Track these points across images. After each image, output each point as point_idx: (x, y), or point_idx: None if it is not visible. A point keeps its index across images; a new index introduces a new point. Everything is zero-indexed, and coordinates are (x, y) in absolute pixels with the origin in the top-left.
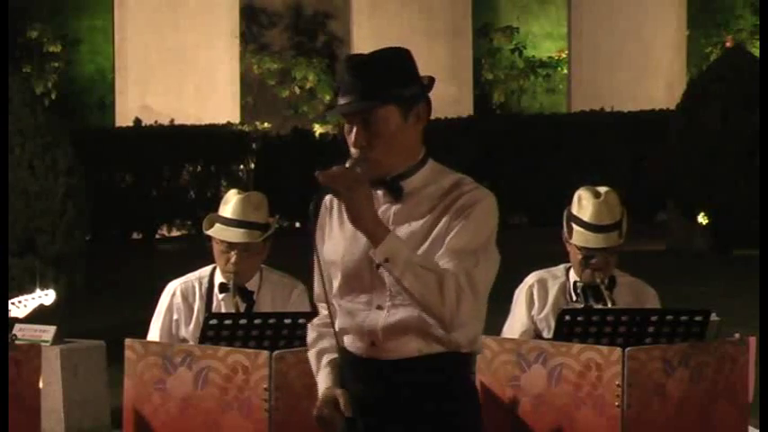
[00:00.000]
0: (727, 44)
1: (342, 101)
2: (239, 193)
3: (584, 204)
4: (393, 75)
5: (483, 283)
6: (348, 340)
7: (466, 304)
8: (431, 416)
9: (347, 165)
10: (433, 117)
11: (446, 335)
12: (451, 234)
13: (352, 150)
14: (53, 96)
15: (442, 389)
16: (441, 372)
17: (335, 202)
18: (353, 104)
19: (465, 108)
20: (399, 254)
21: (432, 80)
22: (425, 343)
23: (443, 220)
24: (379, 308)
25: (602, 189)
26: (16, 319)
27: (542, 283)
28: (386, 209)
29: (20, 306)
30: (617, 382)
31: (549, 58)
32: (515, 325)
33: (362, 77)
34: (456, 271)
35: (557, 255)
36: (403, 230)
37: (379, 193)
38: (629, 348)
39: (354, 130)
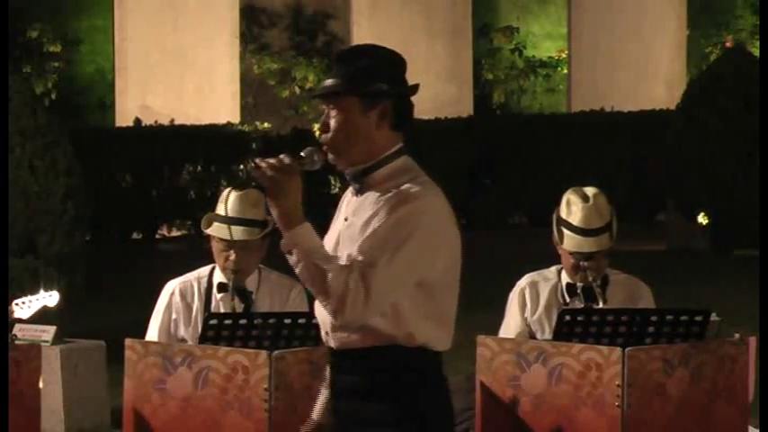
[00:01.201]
0: (727, 44)
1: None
2: (237, 190)
3: (573, 209)
4: (362, 69)
5: (387, 281)
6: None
7: (353, 303)
8: (375, 408)
9: (302, 153)
10: (432, 117)
11: (384, 330)
12: (370, 230)
13: (321, 137)
14: (53, 96)
15: (384, 382)
16: (382, 365)
17: (345, 199)
18: (323, 88)
19: (465, 108)
20: (300, 245)
21: (415, 86)
22: (364, 336)
23: (376, 216)
24: None
25: (590, 192)
26: (18, 320)
27: (534, 286)
28: (353, 201)
29: (23, 307)
30: (617, 382)
31: (549, 58)
32: (510, 327)
33: (339, 66)
34: (351, 269)
35: (556, 254)
36: (355, 223)
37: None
38: (629, 348)
39: (325, 114)
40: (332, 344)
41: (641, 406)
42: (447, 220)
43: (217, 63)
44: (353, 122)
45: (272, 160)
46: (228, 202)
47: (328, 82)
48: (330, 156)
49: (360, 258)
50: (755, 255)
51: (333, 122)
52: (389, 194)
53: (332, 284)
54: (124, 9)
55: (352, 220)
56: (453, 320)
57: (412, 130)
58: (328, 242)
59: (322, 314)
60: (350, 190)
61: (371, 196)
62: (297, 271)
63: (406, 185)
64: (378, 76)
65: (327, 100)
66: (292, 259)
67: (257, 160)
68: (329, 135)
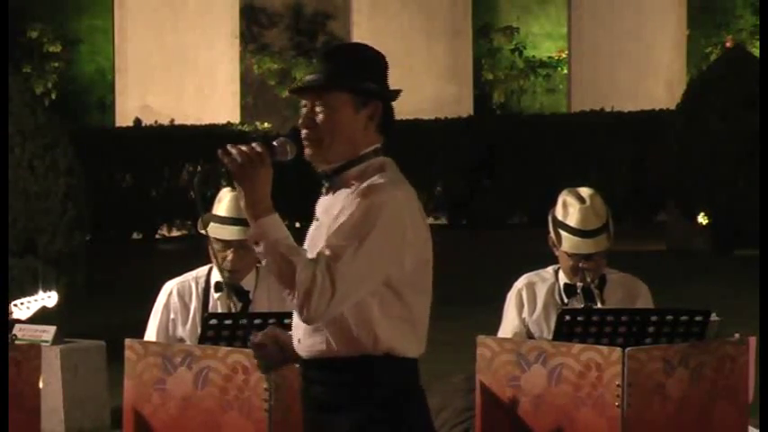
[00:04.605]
0: (727, 44)
1: (304, 79)
2: (233, 190)
3: (570, 211)
4: (353, 66)
5: (352, 276)
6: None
7: (319, 298)
8: (340, 422)
9: (274, 142)
10: (432, 117)
11: (348, 334)
12: (337, 225)
13: (303, 131)
14: (53, 96)
15: (350, 394)
16: (347, 376)
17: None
18: (310, 82)
19: (465, 108)
20: (266, 237)
21: (398, 91)
22: (332, 345)
23: (342, 213)
24: None
25: (585, 193)
26: (18, 321)
27: (531, 287)
28: (323, 200)
29: (22, 308)
30: (617, 382)
31: (549, 58)
32: (507, 329)
33: (327, 62)
34: (317, 263)
35: (554, 255)
36: (325, 222)
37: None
38: (629, 348)
39: (307, 108)
40: (301, 352)
41: (641, 406)
42: (413, 216)
43: (217, 63)
44: (343, 119)
45: (243, 147)
46: (225, 201)
47: (315, 76)
48: (308, 151)
49: (326, 253)
50: (755, 255)
51: (321, 117)
52: (356, 190)
53: (299, 278)
54: (124, 9)
55: (322, 220)
56: (425, 326)
57: (395, 133)
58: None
59: (295, 321)
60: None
61: (341, 194)
62: (264, 263)
63: (371, 182)
64: (369, 74)
65: (314, 94)
66: (259, 250)
67: (228, 146)
68: (314, 130)
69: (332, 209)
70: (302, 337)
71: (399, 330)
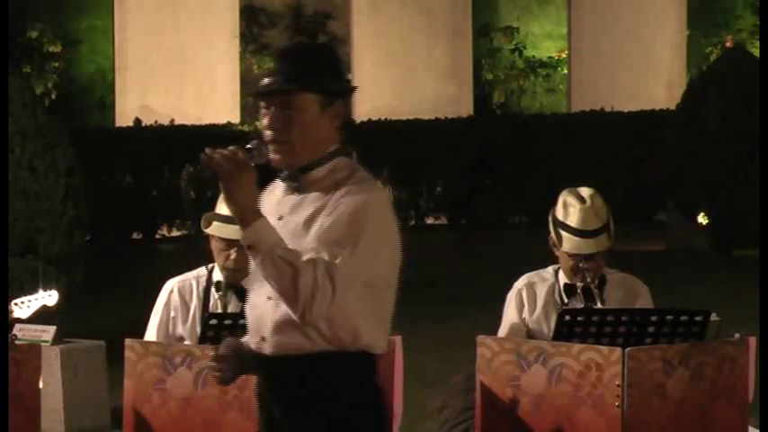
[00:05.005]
0: (727, 44)
1: (264, 82)
2: None
3: (570, 211)
4: (318, 66)
5: (348, 277)
6: (248, 334)
7: (321, 300)
8: (316, 416)
9: (248, 146)
10: (433, 117)
11: (328, 331)
12: (324, 225)
13: (266, 133)
14: (53, 96)
15: (327, 389)
16: (325, 371)
17: (273, 198)
18: (274, 85)
19: (465, 108)
20: (262, 242)
21: (354, 87)
22: (309, 341)
23: (323, 212)
24: (269, 298)
25: (586, 193)
26: (18, 320)
27: (531, 287)
28: (288, 199)
29: (23, 307)
30: (617, 382)
31: (549, 58)
32: (507, 329)
33: (288, 63)
34: (316, 265)
35: (554, 255)
36: (294, 220)
37: (284, 183)
38: (629, 348)
39: (272, 111)
40: (266, 350)
41: (641, 406)
42: (391, 215)
43: (217, 63)
44: (310, 121)
45: (224, 152)
46: None
47: (277, 79)
48: (276, 155)
49: (322, 254)
50: (755, 255)
51: (289, 119)
52: (337, 191)
53: (302, 282)
54: (124, 9)
55: (288, 218)
56: (390, 324)
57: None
58: None
59: (260, 317)
60: (276, 189)
61: (311, 194)
62: (260, 268)
63: (351, 181)
64: (331, 74)
65: (281, 97)
66: (253, 256)
67: (207, 150)
68: (283, 132)
69: (302, 208)
70: (268, 334)
71: (376, 327)
